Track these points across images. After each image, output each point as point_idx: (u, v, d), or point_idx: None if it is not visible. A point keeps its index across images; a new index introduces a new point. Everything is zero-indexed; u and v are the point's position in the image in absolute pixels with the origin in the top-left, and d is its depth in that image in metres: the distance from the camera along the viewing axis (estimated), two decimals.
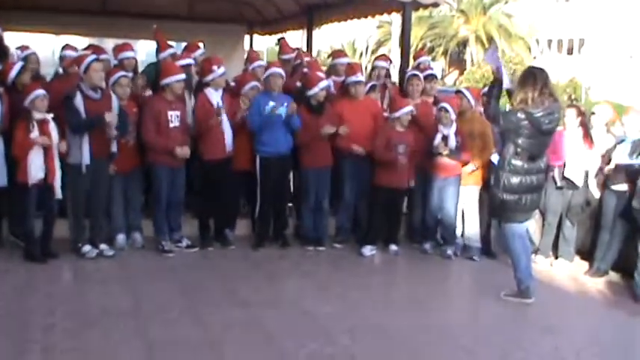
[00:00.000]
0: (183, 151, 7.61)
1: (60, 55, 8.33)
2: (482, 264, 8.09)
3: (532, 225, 7.97)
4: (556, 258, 8.24)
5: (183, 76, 7.69)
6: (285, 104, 7.86)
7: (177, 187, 7.78)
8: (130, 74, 7.94)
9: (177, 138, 7.61)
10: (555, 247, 8.29)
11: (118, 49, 8.45)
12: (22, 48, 8.26)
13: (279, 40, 10.21)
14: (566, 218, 8.14)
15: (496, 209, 6.87)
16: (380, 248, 8.23)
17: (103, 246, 7.48)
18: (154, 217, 7.86)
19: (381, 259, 8.07)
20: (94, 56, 7.34)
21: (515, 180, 6.46)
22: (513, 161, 6.46)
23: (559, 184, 7.94)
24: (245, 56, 9.89)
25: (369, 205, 8.29)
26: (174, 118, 7.60)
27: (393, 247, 8.25)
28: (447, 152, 7.88)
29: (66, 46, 8.33)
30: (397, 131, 7.99)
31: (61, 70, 8.07)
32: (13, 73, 7.38)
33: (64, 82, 7.79)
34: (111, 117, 7.10)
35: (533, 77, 6.39)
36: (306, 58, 9.43)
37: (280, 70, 8.06)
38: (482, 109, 7.93)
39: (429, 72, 8.88)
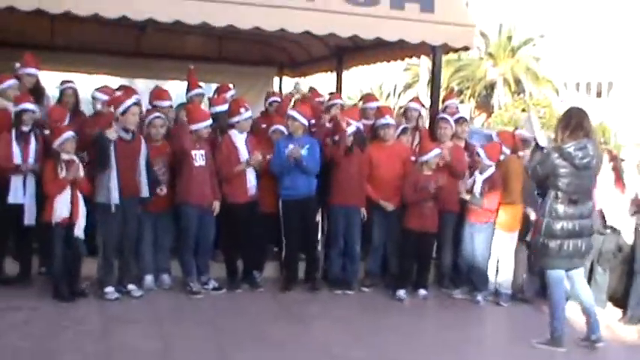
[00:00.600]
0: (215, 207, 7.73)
1: (92, 95, 8.41)
2: (513, 310, 7.96)
3: None
4: None
5: (209, 122, 7.76)
6: (307, 147, 7.86)
7: (206, 229, 7.77)
8: (164, 117, 7.97)
9: (202, 177, 7.64)
10: None
11: (154, 96, 8.42)
12: (63, 82, 8.45)
13: (310, 88, 10.37)
14: (597, 264, 8.02)
15: (538, 255, 6.79)
16: (408, 292, 8.13)
17: (131, 286, 7.47)
18: (181, 259, 7.85)
19: (410, 304, 7.97)
20: (134, 100, 7.43)
21: (557, 225, 6.39)
22: (555, 205, 6.40)
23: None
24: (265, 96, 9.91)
25: (399, 248, 8.22)
26: (198, 157, 7.63)
27: (422, 292, 8.15)
28: (469, 197, 7.85)
29: (100, 88, 8.40)
30: (425, 175, 7.95)
31: (99, 107, 8.14)
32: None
33: (97, 121, 7.88)
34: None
35: (569, 117, 6.45)
36: (339, 101, 9.44)
37: (295, 113, 8.01)
38: (520, 153, 8.10)
39: (459, 115, 8.87)
